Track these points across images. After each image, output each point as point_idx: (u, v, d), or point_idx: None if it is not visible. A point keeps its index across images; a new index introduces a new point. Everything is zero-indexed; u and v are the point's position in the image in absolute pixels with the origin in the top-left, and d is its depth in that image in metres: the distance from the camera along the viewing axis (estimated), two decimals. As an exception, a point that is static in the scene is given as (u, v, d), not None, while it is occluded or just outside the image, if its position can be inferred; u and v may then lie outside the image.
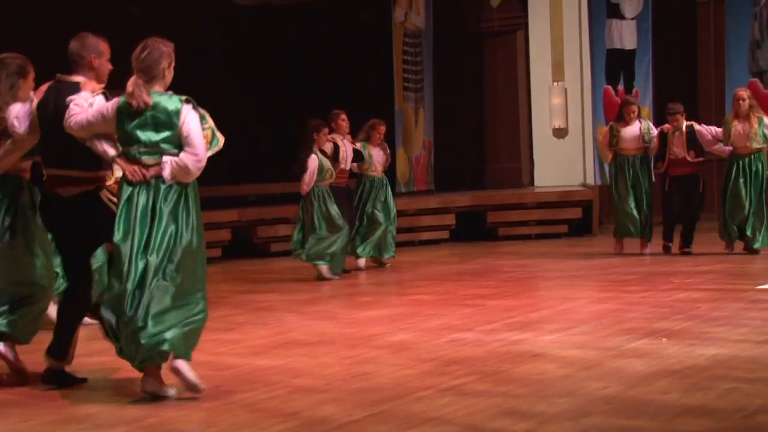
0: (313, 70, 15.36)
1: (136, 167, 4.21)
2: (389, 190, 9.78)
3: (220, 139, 4.56)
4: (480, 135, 15.36)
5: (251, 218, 11.65)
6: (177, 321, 4.16)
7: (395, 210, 9.77)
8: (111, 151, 4.33)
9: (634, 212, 9.64)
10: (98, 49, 4.59)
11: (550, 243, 11.88)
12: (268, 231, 11.59)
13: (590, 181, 13.49)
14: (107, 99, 4.40)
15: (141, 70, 4.24)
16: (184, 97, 4.28)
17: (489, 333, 5.54)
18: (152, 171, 4.20)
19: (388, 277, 9.13)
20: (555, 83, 14.13)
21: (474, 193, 13.83)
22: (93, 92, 4.48)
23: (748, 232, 9.01)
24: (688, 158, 9.27)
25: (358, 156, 9.34)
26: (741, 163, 9.07)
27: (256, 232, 11.60)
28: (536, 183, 14.33)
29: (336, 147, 9.07)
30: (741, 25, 12.54)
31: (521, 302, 6.86)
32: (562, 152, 14.13)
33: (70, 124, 4.34)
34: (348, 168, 9.28)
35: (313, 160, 8.69)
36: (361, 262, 9.53)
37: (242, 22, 15.41)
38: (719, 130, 9.27)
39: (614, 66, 13.24)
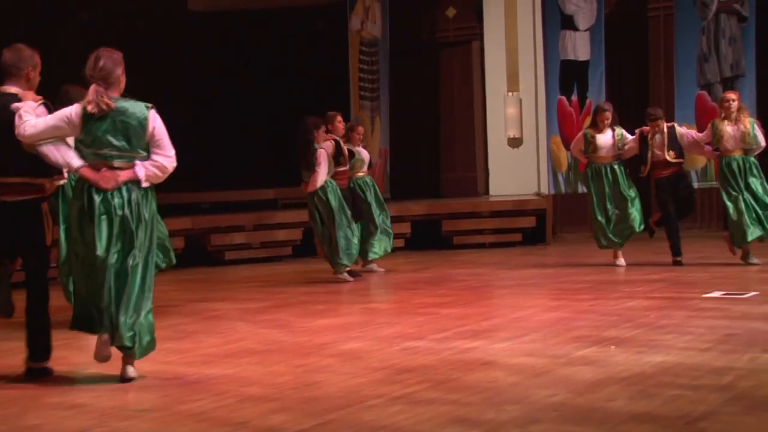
0: (268, 78, 15.35)
1: (108, 174, 4.37)
2: (377, 188, 10.01)
3: None
4: (436, 144, 15.44)
5: (205, 226, 11.58)
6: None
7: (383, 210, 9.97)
8: (75, 162, 4.42)
9: (609, 221, 9.54)
10: (34, 62, 4.68)
11: (504, 252, 11.97)
12: (222, 239, 11.53)
13: (544, 190, 13.63)
14: (49, 110, 4.53)
15: (99, 79, 4.42)
16: (149, 104, 4.50)
17: (441, 341, 5.57)
18: (124, 175, 4.40)
19: (342, 285, 9.12)
20: (510, 93, 14.26)
21: (429, 201, 13.88)
22: (35, 102, 4.56)
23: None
24: (668, 158, 9.33)
25: (351, 158, 9.42)
26: (736, 164, 9.05)
27: (210, 240, 11.53)
28: (491, 192, 14.44)
29: (338, 145, 9.10)
30: (689, 38, 12.77)
31: (474, 311, 6.90)
32: (516, 162, 14.25)
33: (25, 130, 4.40)
34: (347, 169, 9.30)
35: (323, 154, 8.74)
36: (373, 265, 9.78)
37: (196, 29, 15.35)
38: (700, 134, 9.36)
39: (568, 77, 13.41)
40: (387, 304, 7.51)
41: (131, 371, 4.59)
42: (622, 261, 9.49)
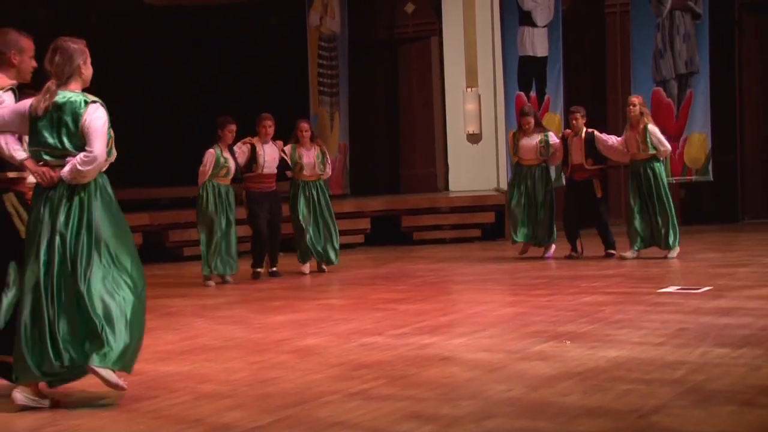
0: (226, 72, 15.25)
1: (44, 169, 4.16)
2: (323, 193, 9.61)
3: (113, 153, 4.33)
4: (395, 140, 15.46)
5: (163, 222, 11.49)
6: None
7: (328, 215, 9.59)
8: (19, 154, 4.25)
9: (522, 217, 9.84)
10: (18, 45, 4.45)
11: (463, 247, 12.03)
12: (180, 235, 11.45)
13: (503, 186, 13.70)
14: (16, 95, 4.33)
15: (54, 74, 4.20)
16: (91, 98, 4.23)
17: (399, 337, 5.58)
18: (59, 172, 4.14)
19: (300, 281, 9.11)
20: (469, 89, 14.32)
21: (389, 197, 13.90)
22: (2, 89, 4.34)
23: (660, 236, 9.20)
24: (586, 166, 9.50)
25: (285, 164, 9.31)
26: (635, 169, 9.31)
27: (168, 236, 11.44)
28: (451, 188, 14.50)
29: (253, 149, 9.01)
30: (645, 35, 12.92)
31: (432, 306, 6.92)
32: (475, 157, 14.32)
33: None
34: (271, 172, 9.16)
35: (210, 154, 8.69)
36: (305, 267, 9.55)
37: (153, 23, 15.20)
38: (619, 139, 9.49)
39: (526, 73, 13.49)
40: (345, 300, 7.50)
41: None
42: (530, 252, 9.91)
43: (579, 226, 9.68)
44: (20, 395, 4.11)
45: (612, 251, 9.56)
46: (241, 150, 9.03)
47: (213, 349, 5.42)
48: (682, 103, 12.84)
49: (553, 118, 13.04)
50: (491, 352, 5.00)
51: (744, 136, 13.64)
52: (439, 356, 4.96)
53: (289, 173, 9.45)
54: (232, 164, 8.83)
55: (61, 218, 4.13)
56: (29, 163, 4.21)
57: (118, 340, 4.08)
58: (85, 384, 4.36)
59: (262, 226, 9.11)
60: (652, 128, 9.21)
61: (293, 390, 4.30)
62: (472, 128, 14.35)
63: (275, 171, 9.24)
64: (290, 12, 14.66)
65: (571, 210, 9.69)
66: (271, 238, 9.23)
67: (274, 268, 9.37)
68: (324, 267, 9.62)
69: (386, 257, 11.22)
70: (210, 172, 8.72)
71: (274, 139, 9.24)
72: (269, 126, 9.11)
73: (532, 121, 9.87)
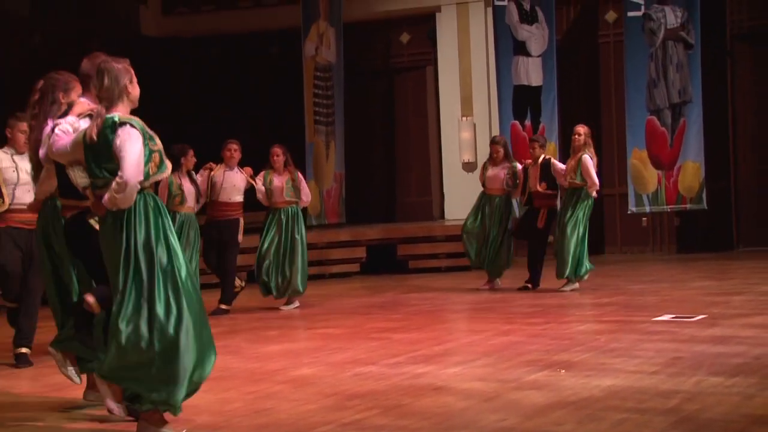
0: (222, 102, 15.33)
1: (94, 200, 4.08)
2: (296, 221, 9.08)
3: (167, 166, 4.20)
4: (391, 168, 15.51)
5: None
6: None
7: (294, 248, 9.03)
8: (81, 182, 4.21)
9: (473, 243, 9.93)
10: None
11: (459, 276, 12.03)
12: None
13: (498, 214, 13.72)
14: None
15: (104, 99, 4.07)
16: (123, 119, 4.03)
17: (393, 366, 5.57)
18: (104, 199, 4.02)
19: (295, 311, 9.09)
20: (464, 118, 14.40)
21: (384, 225, 13.92)
22: (80, 115, 4.32)
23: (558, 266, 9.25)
24: (539, 189, 9.54)
25: (252, 189, 9.00)
26: (566, 197, 9.37)
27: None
28: (446, 216, 14.53)
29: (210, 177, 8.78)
30: (639, 65, 13.03)
31: (427, 335, 6.92)
32: (471, 186, 14.31)
33: (53, 151, 4.24)
34: (230, 200, 8.80)
35: (163, 182, 8.26)
36: (281, 302, 9.15)
37: (151, 54, 15.29)
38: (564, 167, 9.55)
39: (521, 102, 13.59)
40: (340, 329, 7.50)
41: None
42: (487, 287, 9.93)
43: (538, 255, 9.64)
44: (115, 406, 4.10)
45: (529, 285, 9.58)
46: (202, 176, 8.79)
47: (208, 380, 5.37)
48: (675, 132, 12.92)
49: (548, 147, 13.07)
50: (485, 382, 5.00)
51: (737, 164, 13.71)
52: (432, 386, 4.96)
53: (263, 200, 9.04)
54: (188, 190, 8.54)
55: (114, 246, 4.01)
56: (88, 191, 4.16)
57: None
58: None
59: (209, 258, 8.81)
60: (585, 159, 9.22)
61: (287, 420, 4.29)
62: (467, 157, 14.41)
63: (237, 199, 8.84)
64: (286, 42, 14.77)
65: (528, 233, 9.68)
66: (221, 270, 8.79)
67: (223, 306, 8.78)
68: (293, 303, 9.12)
69: (382, 286, 11.22)
70: (165, 201, 8.30)
71: (243, 165, 8.96)
72: (234, 150, 8.84)
73: (501, 150, 9.94)
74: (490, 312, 8.37)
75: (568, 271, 9.16)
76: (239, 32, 15.19)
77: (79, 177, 4.22)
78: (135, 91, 4.14)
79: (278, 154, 9.08)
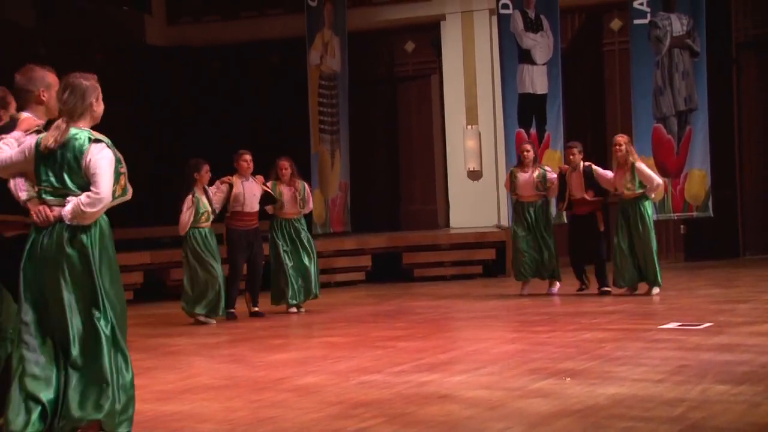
0: (227, 111, 15.36)
1: (41, 207, 3.99)
2: (304, 229, 9.44)
3: (129, 191, 4.18)
4: (396, 177, 15.51)
5: (164, 261, 11.49)
6: None
7: (308, 253, 9.40)
8: (23, 195, 4.17)
9: (528, 255, 9.81)
10: (46, 82, 4.38)
11: (464, 284, 12.02)
12: (181, 273, 11.41)
13: (504, 222, 13.73)
14: (41, 133, 4.22)
15: (65, 112, 4.06)
16: (96, 136, 4.06)
17: (398, 375, 5.56)
18: (56, 211, 3.96)
19: (301, 319, 9.10)
20: (469, 126, 14.41)
21: (390, 234, 13.92)
22: (27, 131, 4.28)
23: (645, 274, 9.20)
24: (587, 197, 9.50)
25: (268, 198, 9.19)
26: (623, 207, 9.31)
27: (170, 275, 11.44)
28: (452, 224, 14.53)
29: (230, 188, 8.96)
30: (645, 72, 13.01)
31: (432, 343, 6.91)
32: (476, 194, 14.37)
33: None
34: (252, 210, 9.06)
35: (187, 200, 8.57)
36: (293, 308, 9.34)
37: (156, 63, 15.35)
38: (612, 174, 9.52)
39: (526, 110, 13.58)
40: (345, 337, 7.49)
41: None
42: (527, 291, 9.86)
43: (585, 260, 9.65)
44: None
45: (607, 288, 9.53)
46: (219, 189, 8.93)
47: (213, 388, 5.41)
48: (681, 140, 12.90)
49: (554, 155, 13.09)
50: (490, 390, 4.99)
51: (743, 172, 13.69)
52: (437, 394, 4.95)
53: (270, 209, 9.25)
54: (209, 207, 8.74)
55: (62, 261, 3.94)
56: (31, 204, 4.09)
57: (115, 400, 3.91)
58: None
59: (238, 266, 9.03)
60: (640, 166, 9.23)
61: (292, 429, 4.28)
62: (472, 165, 14.42)
63: (257, 208, 9.10)
64: (291, 51, 14.80)
65: (576, 245, 9.67)
66: (252, 277, 9.14)
67: (256, 308, 9.15)
68: (302, 308, 9.38)
69: (387, 294, 11.21)
70: (192, 219, 8.57)
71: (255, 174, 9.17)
72: (249, 161, 9.05)
73: (531, 152, 9.89)
74: (496, 320, 8.36)
75: (659, 277, 9.12)
76: (243, 41, 15.23)
77: (19, 190, 4.19)
78: (99, 108, 4.15)
79: (286, 168, 9.33)
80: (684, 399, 4.51)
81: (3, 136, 4.25)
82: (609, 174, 9.51)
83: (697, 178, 12.81)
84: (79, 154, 3.98)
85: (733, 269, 12.14)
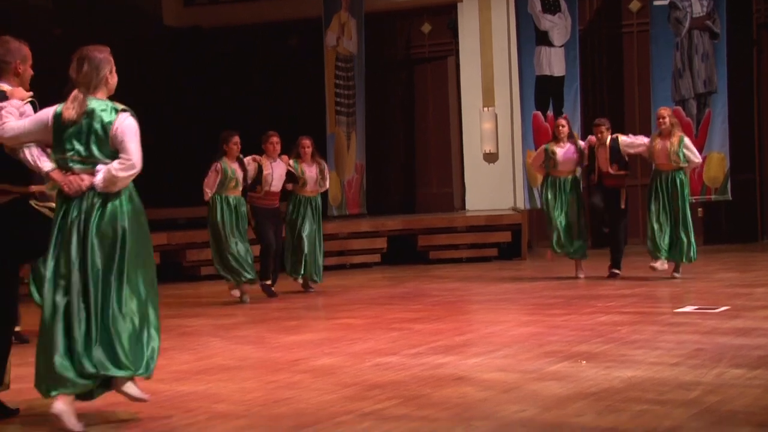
0: (245, 93, 15.36)
1: (71, 178, 4.11)
2: (319, 210, 9.61)
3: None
4: (412, 159, 15.49)
5: (181, 242, 11.55)
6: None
7: (319, 234, 9.56)
8: (45, 165, 4.21)
9: (564, 232, 9.69)
10: (22, 54, 4.42)
11: (479, 266, 12.01)
12: (197, 254, 11.49)
13: (520, 205, 13.70)
14: (35, 108, 4.31)
15: (82, 84, 4.17)
16: (120, 107, 4.19)
17: (413, 357, 5.57)
18: (87, 180, 4.10)
19: (317, 300, 9.13)
20: (485, 109, 14.35)
21: (405, 216, 13.92)
22: (22, 100, 4.34)
23: (677, 247, 9.09)
24: (611, 171, 9.44)
25: (291, 177, 9.34)
26: (660, 179, 9.24)
27: (186, 256, 11.50)
28: (467, 207, 14.50)
29: (259, 168, 9.09)
30: (664, 54, 12.91)
31: (447, 326, 6.91)
32: (492, 177, 14.34)
33: (4, 132, 4.20)
34: (277, 190, 9.24)
35: (215, 166, 8.72)
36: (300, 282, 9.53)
37: (173, 45, 15.35)
38: (642, 139, 9.45)
39: (543, 92, 13.51)
40: (361, 319, 7.51)
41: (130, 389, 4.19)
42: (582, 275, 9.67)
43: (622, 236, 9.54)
44: (64, 406, 4.01)
45: (617, 271, 9.49)
46: (249, 166, 9.07)
47: (228, 369, 5.44)
48: (701, 123, 12.81)
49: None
50: (506, 372, 4.99)
51: (763, 156, 13.58)
52: (453, 376, 4.96)
53: (289, 186, 9.39)
54: (240, 175, 8.86)
55: (93, 227, 4.08)
56: (55, 174, 4.16)
57: (142, 349, 4.11)
58: (99, 403, 4.38)
59: (270, 238, 9.15)
60: (688, 141, 9.15)
61: (307, 410, 4.30)
62: (488, 148, 14.37)
63: (281, 188, 9.31)
64: (307, 33, 14.77)
65: (598, 206, 9.54)
66: (275, 254, 9.30)
67: (272, 286, 9.34)
68: (311, 286, 9.58)
69: (402, 276, 11.22)
70: (216, 185, 8.73)
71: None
72: (276, 143, 9.20)
73: (566, 126, 9.78)
74: (511, 303, 8.36)
75: (694, 254, 9.04)
76: (260, 22, 15.21)
77: (39, 161, 4.23)
78: (113, 80, 4.28)
79: (308, 146, 9.46)
80: (699, 383, 4.50)
81: (2, 104, 4.25)
82: (638, 139, 9.40)
83: (716, 161, 12.72)
84: (107, 124, 4.13)
85: (750, 253, 12.08)
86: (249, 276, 8.83)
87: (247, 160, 9.07)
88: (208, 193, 8.79)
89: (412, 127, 15.49)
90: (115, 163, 4.10)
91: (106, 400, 4.34)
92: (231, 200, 8.83)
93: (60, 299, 4.06)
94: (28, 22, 12.50)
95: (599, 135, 9.52)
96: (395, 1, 14.89)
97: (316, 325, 7.32)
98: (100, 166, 4.11)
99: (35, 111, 4.33)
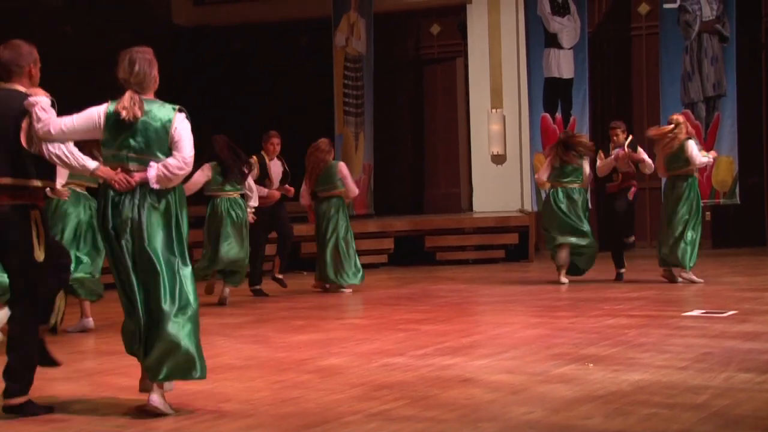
0: (253, 93, 15.37)
1: (121, 176, 4.24)
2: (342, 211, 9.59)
3: None
4: (420, 160, 15.48)
5: (193, 240, 11.52)
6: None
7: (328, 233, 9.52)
8: (90, 163, 4.32)
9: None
10: (34, 57, 4.49)
11: (486, 268, 12.00)
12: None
13: (527, 207, 13.68)
14: (54, 107, 4.37)
15: (136, 84, 4.32)
16: (177, 107, 4.39)
17: (420, 358, 5.57)
18: (138, 177, 4.24)
19: (324, 300, 9.12)
20: (494, 110, 14.34)
21: (412, 217, 13.91)
22: (48, 99, 4.38)
23: (678, 253, 9.04)
24: (629, 171, 9.38)
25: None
26: (668, 185, 9.23)
27: (192, 255, 11.50)
28: (475, 208, 14.49)
29: (263, 163, 9.18)
30: (673, 57, 12.89)
31: (454, 327, 6.91)
32: (500, 178, 14.32)
33: (47, 129, 4.25)
34: (272, 189, 9.23)
35: (205, 166, 8.58)
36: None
37: (182, 43, 15.37)
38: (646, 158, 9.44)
39: (552, 94, 13.49)
40: (367, 319, 7.51)
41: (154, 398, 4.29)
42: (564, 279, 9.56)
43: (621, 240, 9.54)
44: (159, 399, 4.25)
45: (622, 270, 9.46)
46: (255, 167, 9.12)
47: (235, 368, 5.44)
48: (709, 126, 12.78)
49: (579, 140, 12.99)
50: (513, 374, 4.98)
51: (771, 159, 13.54)
52: (460, 378, 4.95)
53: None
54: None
55: (145, 219, 4.23)
56: (103, 171, 4.29)
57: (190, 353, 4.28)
58: (105, 401, 4.40)
59: (262, 243, 9.26)
60: (689, 143, 9.06)
61: (314, 410, 4.30)
62: (496, 149, 14.36)
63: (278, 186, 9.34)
64: (316, 32, 14.77)
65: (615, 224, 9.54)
66: (283, 245, 9.38)
67: (280, 276, 9.40)
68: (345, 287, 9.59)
69: (409, 277, 11.22)
70: (203, 184, 8.62)
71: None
72: (277, 144, 9.30)
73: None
74: (518, 305, 8.34)
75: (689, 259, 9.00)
76: (269, 22, 15.22)
77: (82, 159, 4.35)
78: (157, 81, 4.45)
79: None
80: (708, 386, 4.48)
81: (33, 101, 4.30)
82: (647, 159, 9.38)
83: (725, 165, 12.69)
84: (167, 123, 4.32)
85: (758, 257, 12.04)
86: (230, 279, 8.75)
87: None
88: (190, 191, 8.66)
89: (420, 128, 15.49)
90: (171, 161, 4.28)
91: (114, 398, 4.34)
92: (230, 202, 8.73)
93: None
94: (38, 21, 12.54)
95: (615, 137, 9.50)
96: (404, 1, 14.89)
97: (323, 325, 7.31)
98: (152, 163, 4.26)
99: (55, 112, 4.37)
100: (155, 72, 4.39)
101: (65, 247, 5.56)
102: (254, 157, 9.19)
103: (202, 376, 4.32)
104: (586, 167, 9.45)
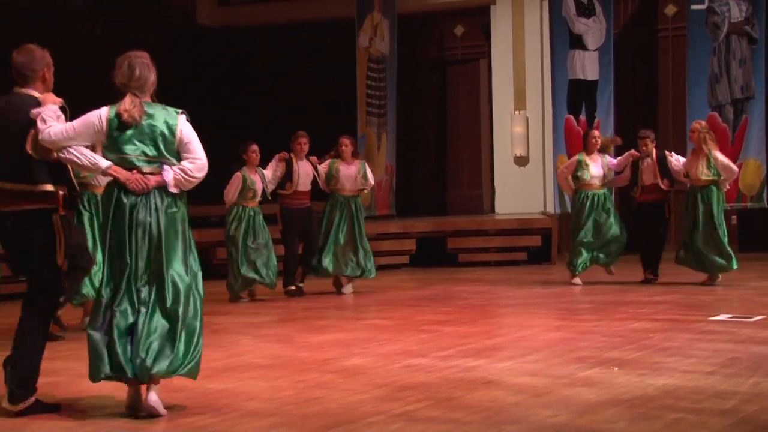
0: (277, 93, 15.39)
1: (138, 177, 4.27)
2: (357, 210, 9.58)
3: None
4: (442, 161, 15.44)
5: (211, 240, 11.57)
6: None
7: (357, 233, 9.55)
8: (103, 162, 4.31)
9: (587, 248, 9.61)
10: (47, 62, 4.52)
11: (509, 270, 11.94)
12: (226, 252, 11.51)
13: (550, 209, 13.60)
14: (66, 113, 4.39)
15: (136, 89, 4.34)
16: (180, 110, 4.42)
17: (443, 359, 5.55)
18: (153, 180, 4.28)
19: (346, 301, 9.12)
20: (517, 112, 14.27)
21: (435, 218, 13.87)
22: (54, 104, 4.40)
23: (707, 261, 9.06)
24: (662, 186, 9.35)
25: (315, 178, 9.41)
26: (695, 195, 9.18)
27: (216, 254, 11.52)
28: (497, 210, 14.43)
29: (289, 165, 9.17)
30: (701, 59, 12.77)
31: (477, 329, 6.87)
32: (523, 180, 14.25)
33: (50, 135, 4.27)
34: (306, 189, 9.30)
35: (236, 177, 8.86)
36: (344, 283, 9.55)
37: (206, 44, 15.43)
38: (683, 160, 9.37)
39: (576, 96, 13.40)
40: (390, 320, 7.49)
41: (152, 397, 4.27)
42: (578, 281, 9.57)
43: (653, 249, 9.49)
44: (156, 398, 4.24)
45: (654, 277, 9.42)
46: (278, 166, 9.15)
47: (259, 367, 5.44)
48: (737, 129, 12.65)
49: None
50: (536, 377, 4.95)
51: (799, 163, 13.37)
52: (483, 380, 4.92)
53: (324, 186, 9.44)
54: (259, 187, 8.97)
55: (162, 223, 4.29)
56: (116, 170, 4.28)
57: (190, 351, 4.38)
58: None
59: (295, 246, 9.28)
60: (716, 155, 9.06)
61: (337, 410, 4.29)
62: (519, 151, 14.29)
63: (309, 188, 9.35)
64: (340, 33, 14.77)
65: (644, 233, 9.48)
66: (307, 254, 9.37)
67: (301, 284, 9.41)
68: (344, 285, 9.54)
69: (431, 279, 11.19)
70: (236, 195, 8.87)
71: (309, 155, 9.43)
72: (304, 144, 9.29)
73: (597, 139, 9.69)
74: (541, 307, 8.30)
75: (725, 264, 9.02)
76: (293, 22, 15.23)
77: (94, 158, 4.35)
78: (155, 84, 4.47)
79: (347, 144, 9.57)
80: (736, 392, 4.43)
81: (38, 110, 4.33)
82: (679, 164, 9.32)
83: (753, 168, 12.55)
84: (172, 126, 4.35)
85: (785, 262, 11.91)
86: (266, 281, 8.89)
87: (275, 159, 9.16)
88: (229, 203, 8.94)
89: (443, 129, 15.45)
90: (187, 164, 4.34)
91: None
92: (249, 211, 8.93)
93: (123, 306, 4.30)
94: (64, 21, 12.62)
95: (644, 148, 9.43)
96: (428, 2, 14.86)
97: (345, 326, 7.30)
98: (165, 167, 4.30)
99: (66, 116, 4.40)
100: (154, 76, 4.41)
101: (88, 251, 5.56)
102: (283, 154, 9.20)
103: (189, 374, 4.35)
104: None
